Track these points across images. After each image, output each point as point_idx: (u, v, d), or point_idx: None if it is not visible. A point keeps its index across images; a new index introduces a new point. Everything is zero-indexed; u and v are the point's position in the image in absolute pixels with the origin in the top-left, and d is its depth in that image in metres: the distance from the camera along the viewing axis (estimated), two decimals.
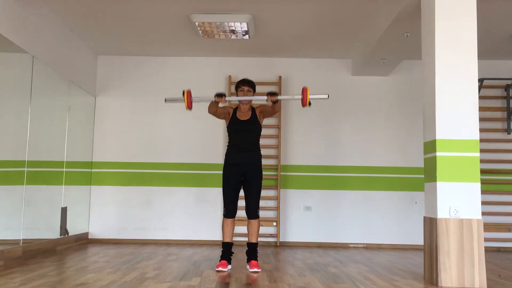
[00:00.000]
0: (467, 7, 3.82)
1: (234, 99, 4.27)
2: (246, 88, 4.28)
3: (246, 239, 4.28)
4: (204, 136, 6.52)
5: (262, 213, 5.10)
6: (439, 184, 3.69)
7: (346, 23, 5.39)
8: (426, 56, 4.00)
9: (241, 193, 4.26)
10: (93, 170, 6.51)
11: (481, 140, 5.02)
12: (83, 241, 6.23)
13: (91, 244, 6.09)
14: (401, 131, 6.55)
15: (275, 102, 4.01)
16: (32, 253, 4.82)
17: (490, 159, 6.33)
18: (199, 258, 4.91)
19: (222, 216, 4.26)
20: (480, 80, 6.01)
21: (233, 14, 5.14)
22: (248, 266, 4.14)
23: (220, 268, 4.06)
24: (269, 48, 6.32)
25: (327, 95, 4.06)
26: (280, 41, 6.03)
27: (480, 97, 5.27)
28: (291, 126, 6.57)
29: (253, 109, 4.31)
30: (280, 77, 6.62)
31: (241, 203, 4.26)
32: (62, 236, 5.58)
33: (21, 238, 4.67)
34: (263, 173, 4.32)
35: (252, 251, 4.18)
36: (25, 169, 4.76)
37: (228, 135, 4.36)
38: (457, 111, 3.75)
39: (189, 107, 3.99)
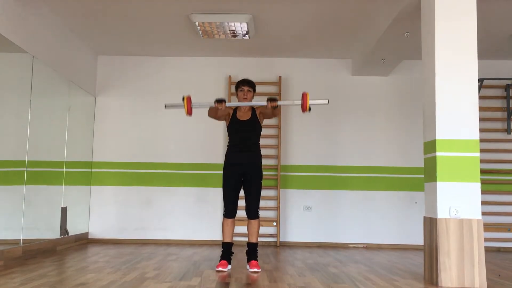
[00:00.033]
0: (467, 7, 3.82)
1: (234, 104, 4.26)
2: (246, 88, 4.28)
3: (246, 239, 4.28)
4: (204, 136, 6.52)
5: (262, 213, 5.09)
6: (439, 184, 3.69)
7: (346, 23, 5.39)
8: (426, 56, 4.00)
9: (241, 193, 4.26)
10: (93, 170, 6.51)
11: (481, 140, 5.03)
12: (83, 241, 6.23)
13: (91, 244, 6.09)
14: (401, 131, 6.56)
15: (275, 108, 4.01)
16: (32, 253, 4.82)
17: (490, 159, 6.33)
18: (199, 258, 4.91)
19: (222, 216, 4.26)
20: (480, 80, 6.01)
21: (233, 14, 5.14)
22: (248, 266, 4.14)
23: (220, 268, 4.06)
24: (269, 48, 6.32)
25: (327, 101, 4.05)
26: (280, 41, 6.03)
27: (480, 97, 5.27)
28: (291, 126, 6.57)
29: (253, 109, 4.31)
30: (280, 77, 6.62)
31: (241, 203, 4.26)
32: (62, 236, 5.58)
33: (21, 238, 4.67)
34: (263, 173, 4.32)
35: (252, 251, 4.18)
36: (25, 169, 4.76)
37: (228, 135, 4.36)
38: (457, 111, 3.75)
39: (189, 113, 4.00)
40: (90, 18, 5.40)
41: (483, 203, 4.33)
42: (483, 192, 4.37)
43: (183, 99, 3.96)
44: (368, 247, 6.35)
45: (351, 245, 6.39)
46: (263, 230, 6.17)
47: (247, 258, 4.21)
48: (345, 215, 6.44)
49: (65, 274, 3.87)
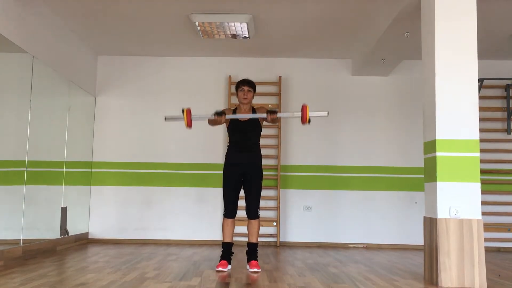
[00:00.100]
0: (467, 7, 3.82)
1: (234, 116, 4.22)
2: (246, 88, 4.29)
3: (246, 239, 4.28)
4: (204, 136, 6.51)
5: (262, 213, 5.09)
6: (439, 184, 3.69)
7: (346, 23, 5.39)
8: (426, 56, 4.00)
9: (241, 193, 4.27)
10: (93, 170, 6.51)
11: (481, 140, 5.03)
12: (83, 241, 6.23)
13: (91, 244, 6.09)
14: (401, 131, 6.56)
15: (275, 120, 4.07)
16: (32, 253, 4.82)
17: (490, 159, 6.33)
18: (199, 258, 4.91)
19: (222, 216, 4.26)
20: (480, 80, 6.01)
21: (233, 14, 5.14)
22: (248, 266, 4.14)
23: (220, 268, 4.06)
24: (269, 48, 6.32)
25: (326, 112, 4.06)
26: (280, 41, 6.03)
27: (480, 97, 5.26)
28: (291, 126, 6.57)
29: (253, 109, 4.31)
30: (280, 77, 6.62)
31: (241, 203, 4.26)
32: (62, 236, 5.58)
33: (21, 238, 4.67)
34: (263, 173, 4.32)
35: (252, 251, 4.18)
36: (25, 169, 4.76)
37: (229, 135, 4.36)
38: (457, 111, 3.75)
39: (189, 125, 4.00)
40: (90, 18, 5.40)
41: (483, 203, 4.33)
42: (483, 192, 4.37)
43: (183, 111, 3.96)
44: (368, 247, 6.35)
45: (351, 245, 6.39)
46: (263, 230, 6.17)
47: (247, 258, 4.21)
48: (345, 215, 6.44)
49: (65, 274, 3.87)
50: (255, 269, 4.05)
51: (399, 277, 3.96)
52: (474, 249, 3.58)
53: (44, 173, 5.32)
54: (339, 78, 6.68)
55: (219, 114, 4.03)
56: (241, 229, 5.37)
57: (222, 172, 4.31)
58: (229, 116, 4.19)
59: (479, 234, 3.61)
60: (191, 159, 6.52)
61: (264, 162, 4.60)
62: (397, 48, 5.61)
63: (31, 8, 4.85)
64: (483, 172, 5.32)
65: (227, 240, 4.21)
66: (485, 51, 5.94)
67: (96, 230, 6.44)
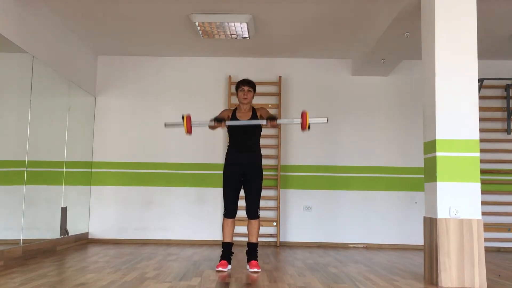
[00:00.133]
0: (467, 7, 3.82)
1: (234, 123, 4.21)
2: (246, 88, 4.29)
3: (246, 239, 4.28)
4: (204, 136, 6.50)
5: (262, 213, 5.09)
6: (439, 184, 3.69)
7: (346, 23, 5.39)
8: (426, 56, 4.00)
9: (242, 193, 4.27)
10: (93, 170, 6.51)
11: (481, 140, 5.03)
12: (83, 241, 6.23)
13: (91, 244, 6.09)
14: (401, 131, 6.55)
15: (275, 126, 4.10)
16: (32, 253, 4.82)
17: (490, 159, 6.33)
18: (199, 258, 4.91)
19: (222, 216, 4.26)
20: (480, 80, 6.01)
21: (233, 14, 5.14)
22: (248, 266, 4.14)
23: (220, 268, 4.06)
24: (269, 48, 6.32)
25: (326, 119, 4.06)
26: (280, 41, 6.03)
27: (480, 97, 5.26)
28: (291, 126, 6.56)
29: (253, 110, 4.31)
30: (280, 77, 6.62)
31: (241, 203, 4.26)
32: (62, 236, 5.58)
33: (21, 238, 4.67)
34: (264, 173, 4.32)
35: (252, 251, 4.18)
36: (25, 169, 4.76)
37: (229, 135, 4.36)
38: (457, 111, 3.75)
39: (189, 131, 4.01)
40: (90, 18, 5.40)
41: (483, 203, 4.33)
42: (483, 192, 4.37)
43: (183, 118, 3.96)
44: (368, 247, 6.35)
45: (351, 245, 6.39)
46: (263, 230, 6.17)
47: (247, 258, 4.21)
48: (345, 215, 6.44)
49: (65, 274, 3.87)
50: (255, 269, 4.05)
51: (399, 277, 3.96)
52: (474, 249, 3.58)
53: (44, 173, 5.32)
54: (339, 78, 6.68)
55: (219, 121, 4.04)
56: (241, 229, 5.37)
57: (222, 172, 4.31)
58: (229, 122, 4.18)
59: (479, 234, 3.61)
60: (191, 159, 6.52)
61: (264, 162, 4.60)
62: (397, 48, 5.61)
63: (31, 8, 4.85)
64: (483, 172, 5.32)
65: (227, 240, 4.21)
66: (485, 51, 5.94)
67: (96, 230, 6.44)
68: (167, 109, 6.55)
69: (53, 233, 5.45)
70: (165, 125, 4.26)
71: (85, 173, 6.40)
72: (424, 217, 3.92)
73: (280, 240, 6.38)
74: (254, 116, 4.27)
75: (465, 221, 3.62)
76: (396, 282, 3.68)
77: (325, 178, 6.52)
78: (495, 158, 6.40)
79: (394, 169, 6.51)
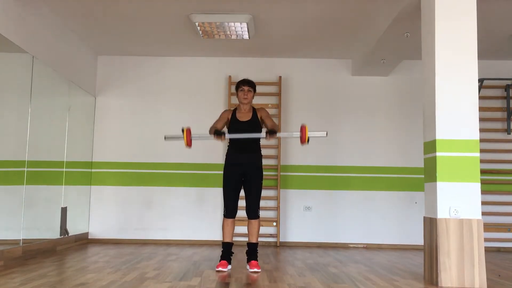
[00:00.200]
0: (467, 7, 3.82)
1: (234, 136, 4.20)
2: (246, 88, 4.29)
3: (246, 239, 4.28)
4: None
5: (262, 213, 5.09)
6: (439, 184, 3.69)
7: (346, 23, 5.39)
8: (426, 56, 4.00)
9: (242, 193, 4.27)
10: (93, 170, 6.51)
11: (481, 140, 5.03)
12: (83, 241, 6.23)
13: (91, 244, 6.09)
14: (401, 131, 6.55)
15: (274, 138, 4.12)
16: (32, 253, 4.82)
17: (490, 159, 6.33)
18: (199, 258, 4.91)
19: (222, 216, 4.26)
20: (480, 80, 6.01)
21: (233, 14, 5.14)
22: (248, 266, 4.14)
23: (220, 268, 4.06)
24: (269, 48, 6.32)
25: (325, 133, 4.07)
26: (280, 41, 6.03)
27: (480, 97, 5.26)
28: (291, 126, 6.56)
29: (254, 110, 4.31)
30: (280, 77, 6.62)
31: (242, 203, 4.26)
32: (62, 236, 5.58)
33: (21, 238, 4.67)
34: (264, 173, 4.32)
35: (252, 251, 4.18)
36: (25, 169, 4.76)
37: None
38: (457, 111, 3.75)
39: (189, 144, 4.02)
40: (90, 18, 5.40)
41: (483, 203, 4.33)
42: (483, 192, 4.37)
43: (183, 131, 3.97)
44: (368, 247, 6.35)
45: (351, 245, 6.39)
46: (263, 230, 6.17)
47: (247, 258, 4.21)
48: (345, 215, 6.44)
49: (65, 274, 3.87)
50: (255, 269, 4.05)
51: (399, 277, 3.96)
52: (474, 249, 3.58)
53: (44, 173, 5.32)
54: (339, 78, 6.68)
55: (219, 134, 4.05)
56: (241, 229, 5.37)
57: (222, 172, 4.31)
58: (229, 135, 4.18)
59: (479, 234, 3.61)
60: (191, 159, 6.52)
61: (264, 162, 4.60)
62: (397, 48, 5.61)
63: (31, 8, 4.85)
64: (483, 172, 5.32)
65: (227, 240, 4.21)
66: (485, 51, 5.94)
67: (96, 230, 6.44)
68: (167, 109, 6.55)
69: (53, 233, 5.45)
70: (165, 138, 4.28)
71: (85, 173, 6.40)
72: (424, 217, 3.92)
73: (280, 240, 6.38)
74: (254, 117, 4.27)
75: (465, 221, 3.62)
76: (396, 282, 3.68)
77: (325, 178, 6.52)
78: (495, 158, 6.40)
79: (394, 169, 6.51)
